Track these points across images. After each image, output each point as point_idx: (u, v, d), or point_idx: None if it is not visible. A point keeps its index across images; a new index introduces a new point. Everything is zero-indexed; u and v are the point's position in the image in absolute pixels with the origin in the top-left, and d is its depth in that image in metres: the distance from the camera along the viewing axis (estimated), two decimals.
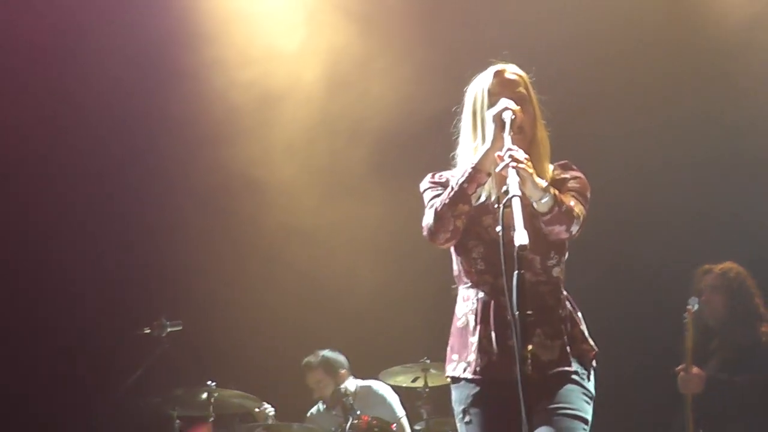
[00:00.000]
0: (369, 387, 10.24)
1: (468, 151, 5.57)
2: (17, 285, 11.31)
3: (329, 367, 10.33)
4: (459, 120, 5.72)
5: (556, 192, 5.21)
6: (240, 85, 11.81)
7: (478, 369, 5.32)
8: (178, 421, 9.72)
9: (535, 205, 5.13)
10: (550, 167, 5.61)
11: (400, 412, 10.01)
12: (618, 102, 10.44)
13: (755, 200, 10.20)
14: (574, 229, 5.27)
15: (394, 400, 10.14)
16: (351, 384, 10.25)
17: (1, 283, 11.17)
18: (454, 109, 5.74)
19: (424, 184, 5.66)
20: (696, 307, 8.29)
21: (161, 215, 11.83)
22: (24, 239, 11.55)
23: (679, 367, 8.16)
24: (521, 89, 5.54)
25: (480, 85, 5.60)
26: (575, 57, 10.28)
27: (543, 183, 5.17)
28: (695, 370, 8.13)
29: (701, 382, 8.14)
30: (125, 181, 11.87)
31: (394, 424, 9.64)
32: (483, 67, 5.70)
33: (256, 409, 10.10)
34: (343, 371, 10.34)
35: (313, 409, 10.52)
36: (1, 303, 11.11)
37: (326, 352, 10.39)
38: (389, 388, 10.21)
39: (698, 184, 10.41)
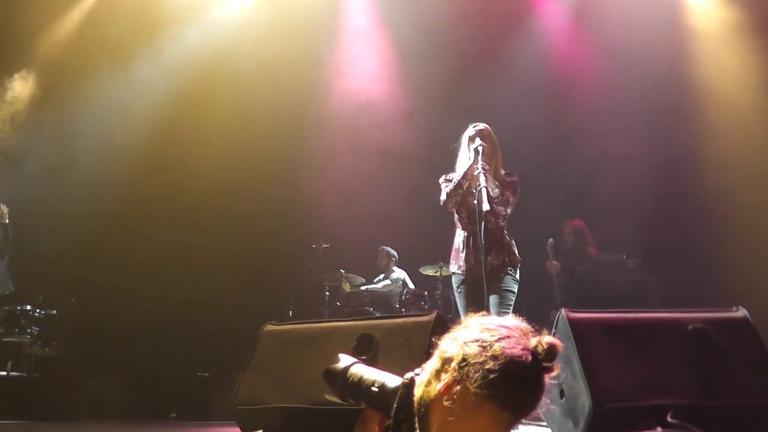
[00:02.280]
0: (402, 272, 10.17)
1: (462, 163, 5.74)
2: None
3: (390, 254, 10.20)
4: (456, 147, 5.81)
5: (502, 188, 5.62)
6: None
7: (465, 268, 5.66)
8: (328, 292, 9.83)
9: (491, 192, 5.38)
10: (502, 172, 5.79)
11: (412, 286, 9.97)
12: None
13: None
14: (509, 209, 5.74)
15: (409, 281, 10.08)
16: (396, 269, 10.15)
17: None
18: (452, 147, 5.84)
19: (441, 179, 5.81)
20: (551, 242, 8.74)
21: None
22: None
23: (547, 262, 8.61)
24: (488, 134, 5.72)
25: (468, 132, 5.76)
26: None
27: (496, 183, 5.57)
28: (555, 262, 8.64)
29: (557, 268, 8.67)
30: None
31: (426, 291, 9.62)
32: (470, 121, 5.83)
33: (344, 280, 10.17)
34: (394, 259, 10.23)
35: (379, 277, 10.24)
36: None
37: (389, 248, 10.22)
38: (405, 274, 10.16)
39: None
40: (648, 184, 9.51)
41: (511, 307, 5.54)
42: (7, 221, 9.29)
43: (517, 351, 1.90)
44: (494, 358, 1.89)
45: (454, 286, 5.76)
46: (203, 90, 10.73)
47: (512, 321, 2.02)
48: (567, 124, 10.30)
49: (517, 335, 1.95)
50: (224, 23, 10.81)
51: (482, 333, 1.96)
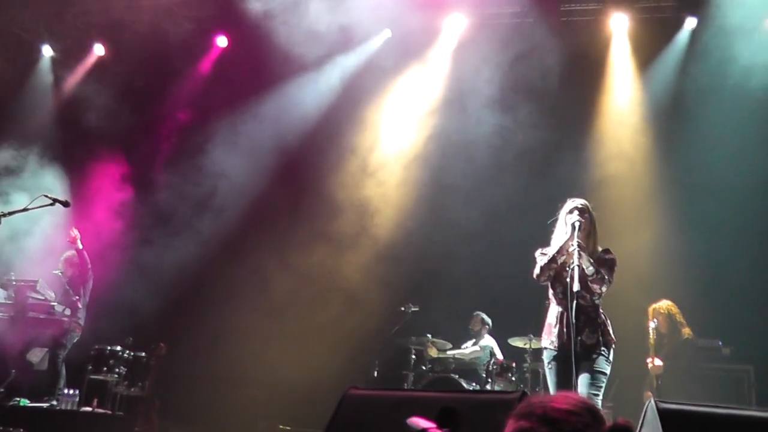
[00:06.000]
0: (492, 340, 10.02)
1: (558, 237, 5.80)
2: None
3: (484, 321, 10.01)
4: (554, 221, 5.86)
5: (597, 266, 5.58)
6: None
7: (557, 344, 5.64)
8: (413, 355, 9.69)
9: (586, 270, 5.51)
10: (599, 249, 5.78)
11: (500, 356, 9.76)
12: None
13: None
14: (604, 288, 5.68)
15: (497, 350, 9.85)
16: (487, 336, 9.97)
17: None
18: (550, 221, 5.89)
19: (536, 253, 5.85)
20: (654, 324, 8.34)
21: None
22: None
23: (648, 359, 8.24)
24: (586, 210, 5.77)
25: (568, 206, 5.82)
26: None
27: (591, 261, 5.57)
28: (656, 361, 8.21)
29: (660, 369, 8.17)
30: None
31: (514, 362, 9.42)
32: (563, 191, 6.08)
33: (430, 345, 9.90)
34: (487, 327, 10.05)
35: (467, 343, 10.07)
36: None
37: (483, 315, 10.03)
38: (495, 343, 9.94)
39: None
40: (747, 266, 9.16)
41: (602, 389, 5.47)
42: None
43: None
44: None
45: (545, 361, 5.73)
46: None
47: (579, 401, 1.99)
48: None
49: (587, 420, 1.91)
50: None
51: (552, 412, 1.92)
